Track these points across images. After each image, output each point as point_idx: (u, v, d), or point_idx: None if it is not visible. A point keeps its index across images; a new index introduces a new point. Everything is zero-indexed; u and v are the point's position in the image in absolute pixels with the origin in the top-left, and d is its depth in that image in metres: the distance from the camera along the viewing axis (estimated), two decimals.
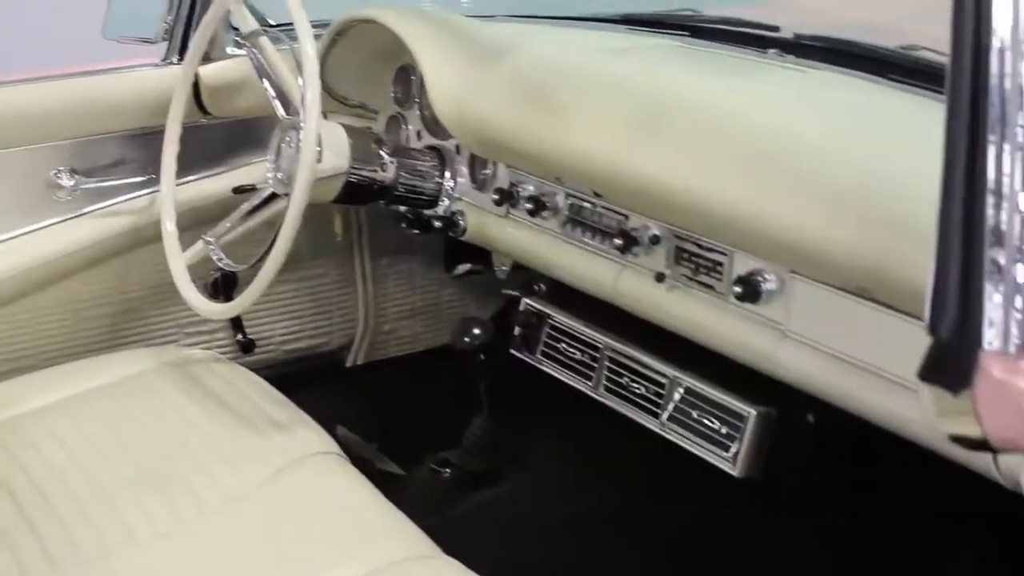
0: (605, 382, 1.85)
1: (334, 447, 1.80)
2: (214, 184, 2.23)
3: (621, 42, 2.02)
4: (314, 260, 2.46)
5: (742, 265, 1.53)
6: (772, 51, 1.88)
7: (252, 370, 2.26)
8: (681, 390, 1.73)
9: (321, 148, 1.87)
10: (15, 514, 1.65)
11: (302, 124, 1.75)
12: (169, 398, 1.91)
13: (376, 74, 2.17)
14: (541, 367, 1.98)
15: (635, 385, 1.80)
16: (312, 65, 1.72)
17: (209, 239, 1.95)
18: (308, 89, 1.72)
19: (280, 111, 1.93)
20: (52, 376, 2.03)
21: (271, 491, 1.68)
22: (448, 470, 2.18)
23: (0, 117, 2.07)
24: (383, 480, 2.24)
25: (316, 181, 1.87)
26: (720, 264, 1.56)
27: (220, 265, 1.95)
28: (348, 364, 2.59)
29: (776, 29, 1.92)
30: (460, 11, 2.40)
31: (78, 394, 1.93)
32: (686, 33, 2.03)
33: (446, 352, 2.23)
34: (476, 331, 1.97)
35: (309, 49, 1.72)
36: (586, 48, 1.94)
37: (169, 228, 1.98)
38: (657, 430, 1.76)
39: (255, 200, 1.94)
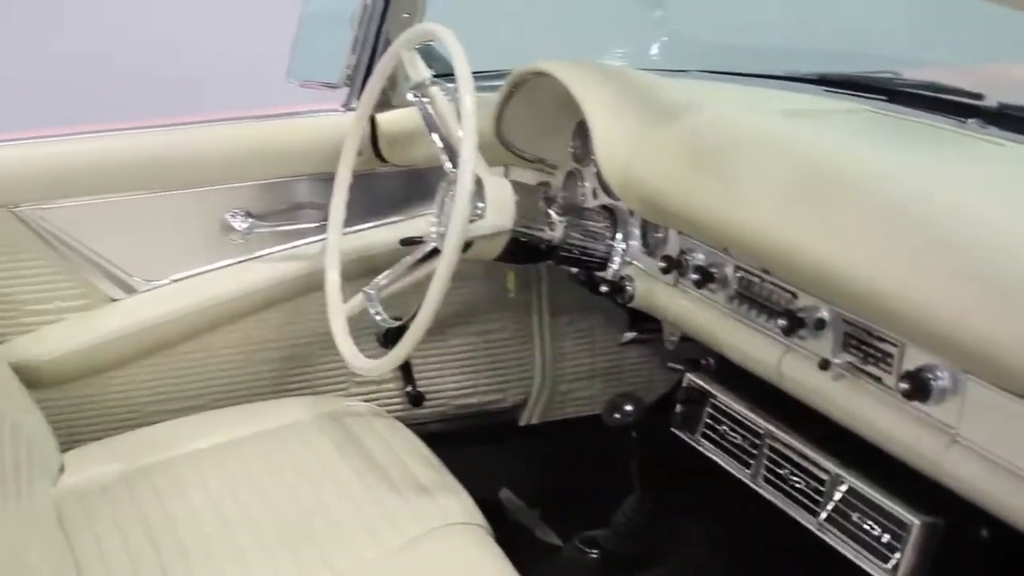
0: (764, 471, 1.71)
1: (477, 517, 1.73)
2: (385, 233, 2.21)
3: (808, 104, 1.88)
4: (491, 315, 2.40)
5: (913, 359, 1.37)
6: (972, 121, 1.71)
7: (421, 423, 2.23)
8: (842, 489, 1.57)
9: (484, 205, 1.81)
10: (152, 558, 1.65)
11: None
12: (319, 451, 1.88)
13: (555, 128, 2.09)
14: (700, 448, 1.86)
15: (795, 478, 1.65)
16: (469, 119, 1.66)
17: (370, 291, 1.92)
18: (464, 144, 1.66)
19: (447, 164, 1.88)
20: (214, 419, 2.04)
21: (403, 559, 1.63)
22: (595, 551, 2.08)
23: (179, 158, 2.10)
24: (536, 550, 2.17)
25: (479, 238, 1.81)
26: (890, 356, 1.41)
27: (376, 319, 1.90)
28: (522, 423, 2.52)
29: (980, 97, 1.76)
30: (650, 65, 2.32)
31: (234, 440, 1.93)
32: (883, 97, 1.88)
33: None
34: (627, 408, 1.86)
35: (468, 102, 1.67)
36: (766, 111, 1.81)
37: (332, 278, 1.96)
38: (814, 529, 1.61)
39: (418, 254, 1.89)
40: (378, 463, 1.85)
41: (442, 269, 1.66)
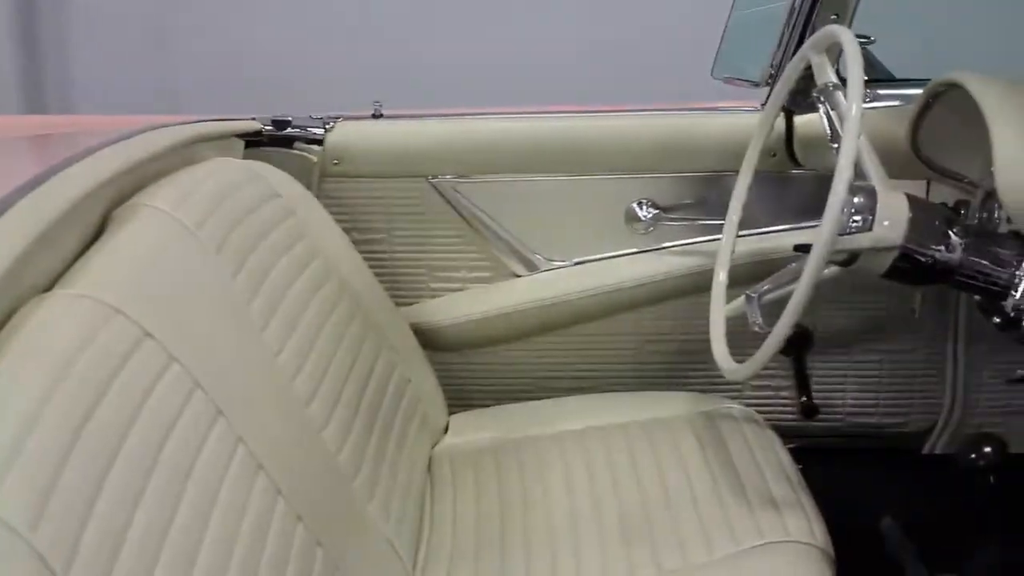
0: None
1: (819, 540, 1.67)
2: (787, 238, 2.15)
3: None
4: (900, 334, 2.29)
5: None
6: None
7: (810, 436, 2.17)
8: None
9: (873, 217, 1.73)
10: (495, 532, 1.73)
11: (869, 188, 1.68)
12: (681, 448, 1.89)
13: (976, 145, 1.94)
14: None
15: None
16: (851, 126, 1.58)
17: (752, 294, 1.88)
18: (842, 152, 1.59)
19: None
20: (592, 403, 2.10)
21: (727, 569, 1.61)
22: None
23: (595, 145, 2.16)
24: None
25: (866, 251, 1.74)
26: None
27: (754, 324, 1.87)
28: (924, 451, 2.38)
29: None
30: None
31: (603, 425, 1.99)
32: None
33: None
34: (986, 449, 1.72)
35: (853, 109, 1.59)
36: None
37: (720, 278, 1.94)
38: None
39: (804, 261, 1.84)
40: (735, 468, 1.83)
41: (804, 278, 1.61)
